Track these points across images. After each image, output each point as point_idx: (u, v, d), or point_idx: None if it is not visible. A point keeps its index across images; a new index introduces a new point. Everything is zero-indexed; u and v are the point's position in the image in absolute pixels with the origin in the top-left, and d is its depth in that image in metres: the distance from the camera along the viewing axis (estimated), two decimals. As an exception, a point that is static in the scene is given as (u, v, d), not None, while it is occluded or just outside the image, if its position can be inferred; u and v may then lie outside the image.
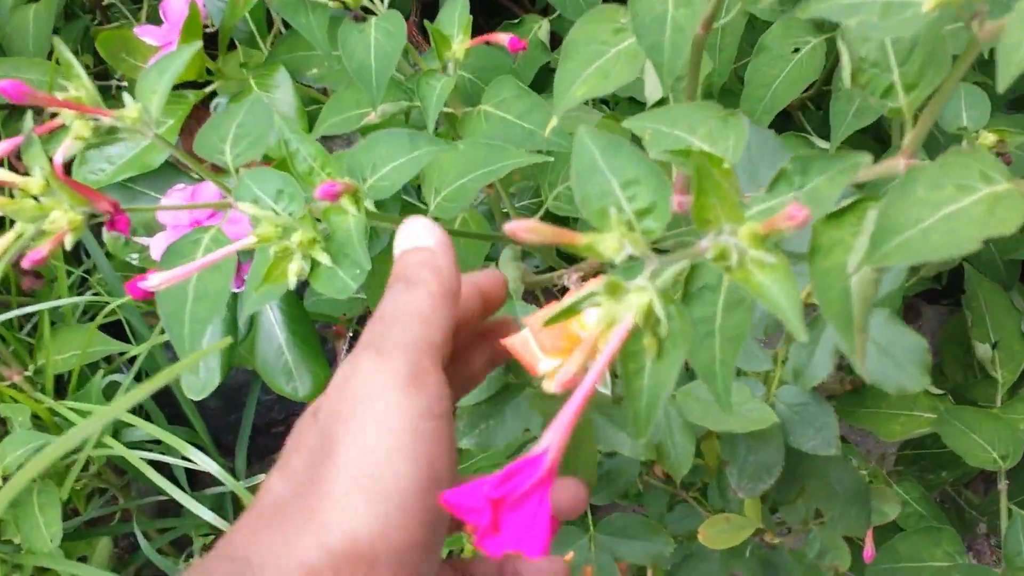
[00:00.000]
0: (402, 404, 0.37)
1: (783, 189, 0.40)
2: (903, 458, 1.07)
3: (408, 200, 0.85)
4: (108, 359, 1.05)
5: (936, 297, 1.43)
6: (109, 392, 0.98)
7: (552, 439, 0.33)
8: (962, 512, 1.17)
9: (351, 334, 1.29)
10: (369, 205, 0.60)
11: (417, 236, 0.44)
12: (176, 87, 0.82)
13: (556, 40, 1.11)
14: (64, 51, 0.58)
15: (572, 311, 0.37)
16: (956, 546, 0.85)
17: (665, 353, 0.37)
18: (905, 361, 0.58)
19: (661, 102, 0.67)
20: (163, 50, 0.81)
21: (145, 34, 0.81)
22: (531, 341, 0.43)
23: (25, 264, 0.54)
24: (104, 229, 0.61)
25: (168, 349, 1.10)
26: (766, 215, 0.38)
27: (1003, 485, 0.92)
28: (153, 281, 0.52)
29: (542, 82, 1.09)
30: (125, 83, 1.11)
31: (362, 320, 1.28)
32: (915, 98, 0.46)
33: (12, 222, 0.58)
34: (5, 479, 0.82)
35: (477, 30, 0.82)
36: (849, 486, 0.69)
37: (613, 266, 0.38)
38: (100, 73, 1.26)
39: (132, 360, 1.00)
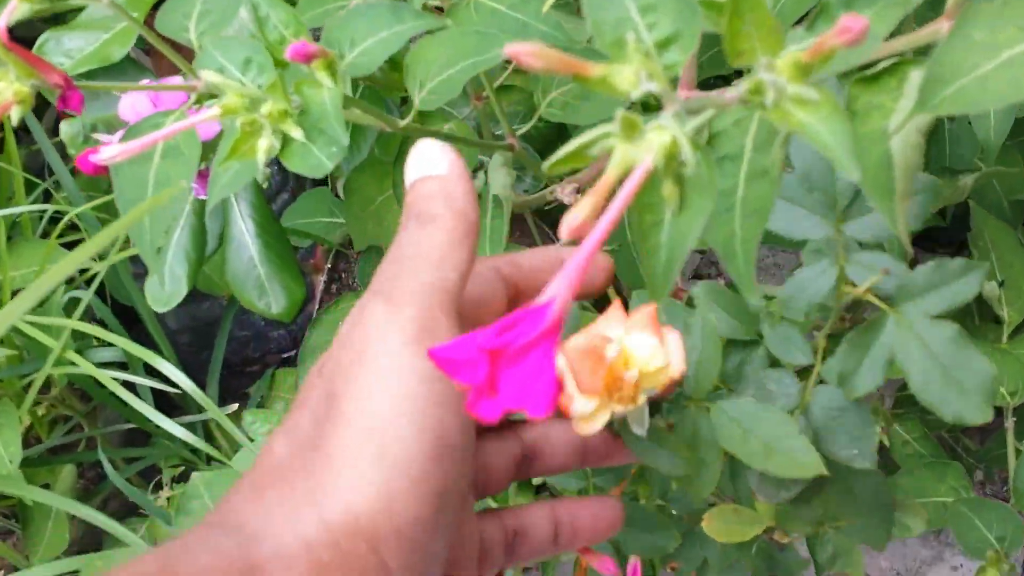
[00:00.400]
0: (410, 362, 0.34)
1: (825, 26, 0.35)
2: (902, 399, 1.03)
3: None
4: (69, 277, 1.00)
5: (932, 247, 1.39)
6: (70, 309, 0.92)
7: (559, 288, 0.28)
8: (960, 459, 1.14)
9: (328, 266, 1.24)
10: (347, 91, 0.55)
11: (428, 163, 0.39)
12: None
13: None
14: (9, -99, 0.52)
15: (581, 154, 0.32)
16: (961, 481, 0.81)
17: (688, 204, 0.32)
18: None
19: None
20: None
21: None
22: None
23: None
24: (57, 112, 0.56)
25: (134, 263, 1.04)
26: (802, 47, 0.32)
27: (1010, 423, 0.88)
28: (107, 153, 0.47)
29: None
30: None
31: (340, 251, 1.22)
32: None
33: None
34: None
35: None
36: (873, 495, 0.61)
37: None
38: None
39: (94, 278, 0.95)
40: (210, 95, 0.58)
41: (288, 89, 0.49)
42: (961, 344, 0.52)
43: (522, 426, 0.44)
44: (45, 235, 1.00)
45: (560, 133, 0.83)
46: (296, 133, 0.48)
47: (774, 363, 0.58)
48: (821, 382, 0.56)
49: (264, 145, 0.48)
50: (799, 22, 0.51)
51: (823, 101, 0.31)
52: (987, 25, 0.34)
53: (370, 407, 0.33)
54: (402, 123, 0.65)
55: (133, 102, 0.70)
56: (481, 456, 0.43)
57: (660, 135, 0.31)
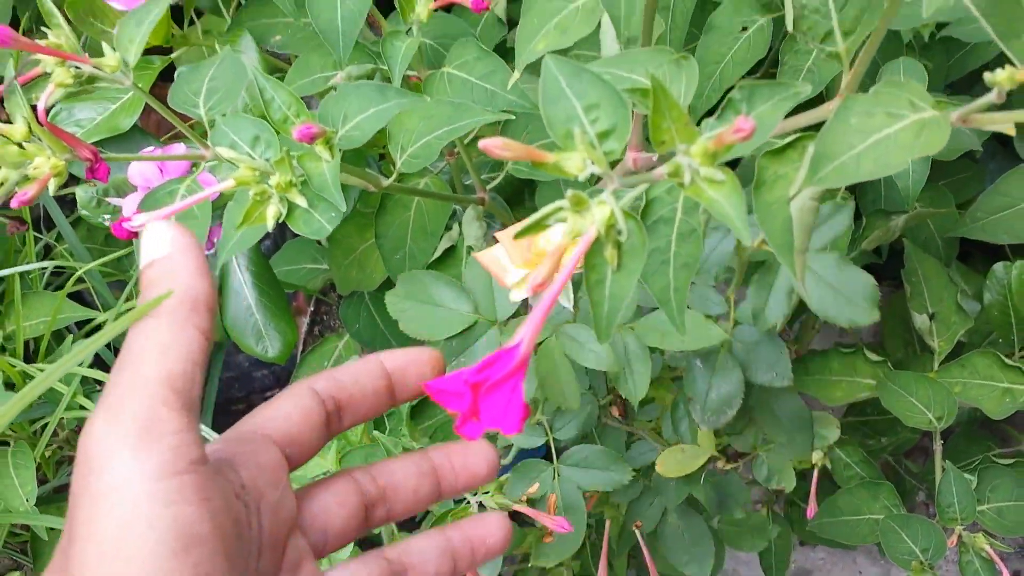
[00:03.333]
0: (132, 469, 0.32)
1: (731, 116, 0.44)
2: (847, 426, 1.12)
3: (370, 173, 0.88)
4: (76, 326, 1.06)
5: (878, 278, 1.49)
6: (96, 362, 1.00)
7: (525, 333, 0.37)
8: (902, 480, 1.22)
9: (311, 309, 1.32)
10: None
11: (153, 245, 0.37)
12: (143, 53, 0.84)
13: (511, 22, 1.14)
14: (46, 1, 0.60)
15: (540, 225, 0.40)
16: (893, 499, 0.89)
17: (624, 264, 0.40)
18: (856, 297, 0.62)
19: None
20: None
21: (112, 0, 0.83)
22: (501, 256, 0.46)
23: (14, 204, 0.56)
24: (84, 179, 0.63)
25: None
26: (712, 136, 0.41)
27: (938, 445, 0.97)
28: (138, 220, 0.55)
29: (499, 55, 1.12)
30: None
31: (324, 294, 1.30)
32: (852, 42, 0.50)
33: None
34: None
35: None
36: (794, 415, 0.74)
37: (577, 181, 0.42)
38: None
39: (99, 327, 1.02)
40: (186, 132, 0.66)
41: (292, 162, 0.57)
42: (843, 266, 0.65)
43: (359, 474, 0.44)
44: (47, 285, 1.07)
45: (526, 185, 0.91)
46: (301, 201, 0.57)
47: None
48: (738, 325, 0.68)
49: (272, 212, 0.56)
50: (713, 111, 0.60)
51: (727, 181, 0.39)
52: (862, 112, 0.43)
53: (99, 530, 0.32)
54: (385, 183, 0.73)
55: (142, 169, 0.78)
56: (312, 516, 0.42)
57: (601, 209, 0.39)
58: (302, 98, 0.81)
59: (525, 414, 0.35)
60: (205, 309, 0.36)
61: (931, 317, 1.08)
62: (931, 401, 0.94)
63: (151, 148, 0.80)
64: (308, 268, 1.16)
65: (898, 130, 0.42)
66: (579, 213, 0.40)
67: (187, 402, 0.35)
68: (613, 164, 0.41)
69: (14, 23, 1.08)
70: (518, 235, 0.40)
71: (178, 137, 0.74)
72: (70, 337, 0.98)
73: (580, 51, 0.75)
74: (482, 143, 0.39)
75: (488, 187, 0.84)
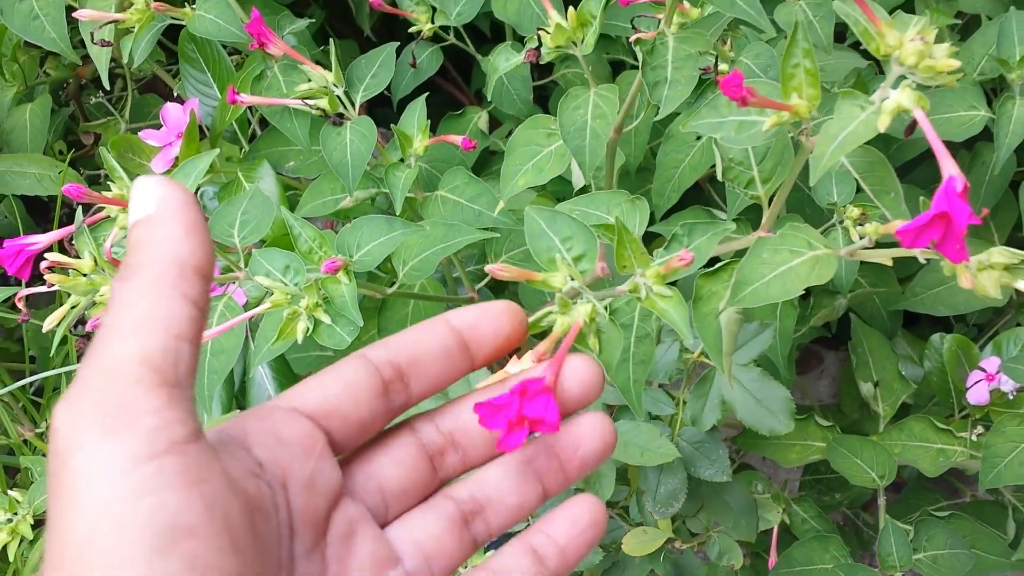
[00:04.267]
0: (99, 459, 0.29)
1: (676, 247, 0.56)
2: (804, 483, 1.23)
3: (375, 272, 1.00)
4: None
5: (836, 344, 1.62)
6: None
7: (547, 372, 0.43)
8: (860, 531, 1.34)
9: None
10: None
11: (140, 204, 0.33)
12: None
13: (494, 123, 1.27)
14: (108, 157, 0.73)
15: (534, 326, 0.52)
16: (841, 551, 1.00)
17: (604, 348, 0.52)
18: (776, 409, 0.76)
19: (584, 188, 0.83)
20: (164, 150, 0.96)
21: (148, 137, 0.96)
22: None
23: (90, 327, 0.68)
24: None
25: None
26: (665, 261, 0.54)
27: (882, 501, 1.08)
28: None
29: (483, 163, 1.25)
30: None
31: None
32: (769, 188, 0.63)
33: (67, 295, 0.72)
34: (37, 522, 0.93)
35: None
36: (740, 502, 0.87)
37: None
38: (80, 159, 1.40)
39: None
40: (228, 270, 0.78)
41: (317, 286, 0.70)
42: (765, 381, 0.78)
43: (420, 422, 0.40)
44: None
45: (512, 286, 1.03)
46: (325, 319, 0.69)
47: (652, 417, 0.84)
48: (684, 426, 0.81)
49: (302, 327, 0.68)
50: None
51: (674, 296, 0.52)
52: (771, 249, 0.56)
53: (70, 532, 0.29)
54: (389, 291, 0.85)
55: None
56: (366, 478, 0.39)
57: (584, 307, 0.51)
58: (316, 217, 0.94)
59: (560, 418, 0.40)
60: (194, 274, 0.32)
61: (875, 385, 1.21)
62: (874, 462, 1.06)
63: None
64: (315, 355, 1.28)
65: (798, 263, 0.55)
66: (565, 313, 0.52)
67: (169, 379, 0.31)
68: (587, 280, 0.54)
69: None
70: (532, 331, 0.52)
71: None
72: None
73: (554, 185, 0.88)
74: (488, 268, 0.51)
75: (477, 288, 0.97)
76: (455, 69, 1.54)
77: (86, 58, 1.14)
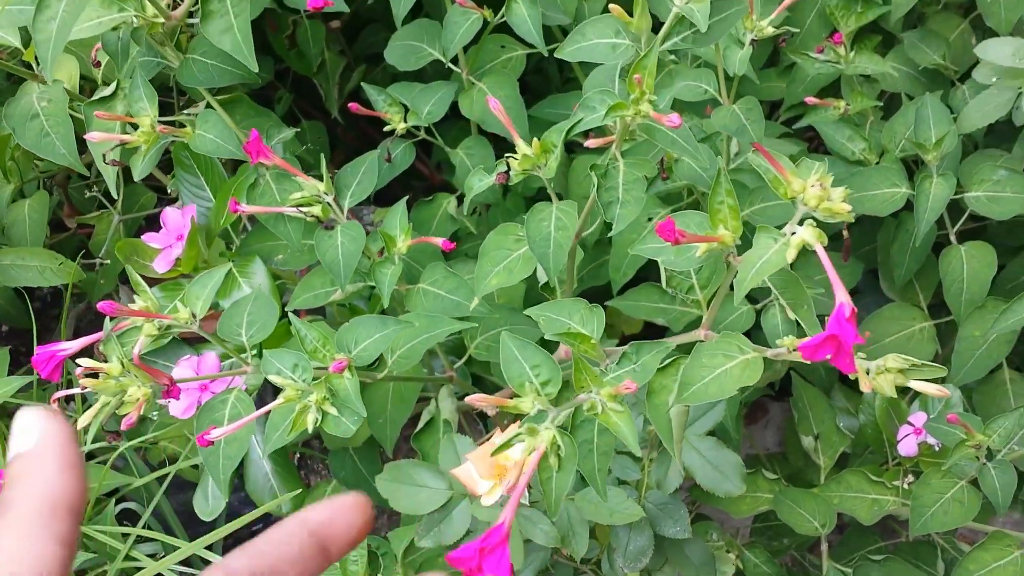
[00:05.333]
0: None
1: (626, 364, 0.67)
2: (755, 530, 1.35)
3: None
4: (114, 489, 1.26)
5: (781, 395, 1.74)
6: (121, 516, 1.19)
7: (506, 516, 0.58)
8: (808, 572, 1.45)
9: (298, 455, 1.52)
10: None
11: (21, 436, 0.34)
12: (175, 276, 1.07)
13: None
14: (133, 273, 0.83)
15: (507, 445, 0.63)
16: (786, 592, 1.12)
17: (563, 467, 0.63)
18: (729, 473, 0.87)
19: (547, 283, 0.94)
20: (164, 252, 1.05)
21: (150, 240, 1.06)
22: (472, 471, 0.68)
23: (124, 427, 0.77)
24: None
25: (162, 482, 1.31)
26: (617, 381, 0.65)
27: (824, 547, 1.20)
28: (216, 433, 0.77)
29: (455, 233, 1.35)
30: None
31: (307, 444, 1.51)
32: (707, 294, 0.74)
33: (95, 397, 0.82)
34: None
35: (393, 197, 1.09)
36: (700, 555, 0.98)
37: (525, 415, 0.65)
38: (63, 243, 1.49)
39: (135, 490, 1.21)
40: (233, 355, 0.88)
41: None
42: (719, 449, 0.89)
43: None
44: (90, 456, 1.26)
45: (485, 365, 1.14)
46: (332, 411, 0.79)
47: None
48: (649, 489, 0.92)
49: (311, 419, 0.78)
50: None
51: (624, 411, 0.63)
52: (708, 354, 0.67)
53: None
54: (379, 376, 0.96)
55: (182, 374, 0.99)
56: None
57: (547, 433, 0.62)
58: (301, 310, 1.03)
59: (511, 570, 0.57)
60: (67, 513, 0.32)
61: (816, 438, 1.33)
62: (816, 512, 1.17)
63: (187, 356, 1.02)
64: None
65: (732, 366, 0.66)
66: (532, 435, 0.63)
67: None
68: (552, 400, 0.65)
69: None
70: (494, 452, 0.63)
71: (202, 340, 0.95)
72: (112, 499, 1.18)
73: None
74: (469, 398, 0.62)
75: (455, 367, 1.07)
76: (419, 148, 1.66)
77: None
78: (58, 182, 1.47)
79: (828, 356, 0.57)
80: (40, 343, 1.59)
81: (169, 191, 1.22)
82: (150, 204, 1.36)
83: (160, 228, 1.07)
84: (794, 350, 0.65)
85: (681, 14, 0.76)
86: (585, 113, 0.77)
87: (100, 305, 0.77)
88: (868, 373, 0.63)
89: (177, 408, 0.97)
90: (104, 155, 0.99)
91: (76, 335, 1.53)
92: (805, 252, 0.64)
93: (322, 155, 0.97)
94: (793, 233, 0.62)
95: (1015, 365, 1.39)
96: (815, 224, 0.61)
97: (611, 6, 0.78)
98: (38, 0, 0.79)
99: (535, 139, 0.81)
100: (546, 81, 1.57)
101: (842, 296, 0.58)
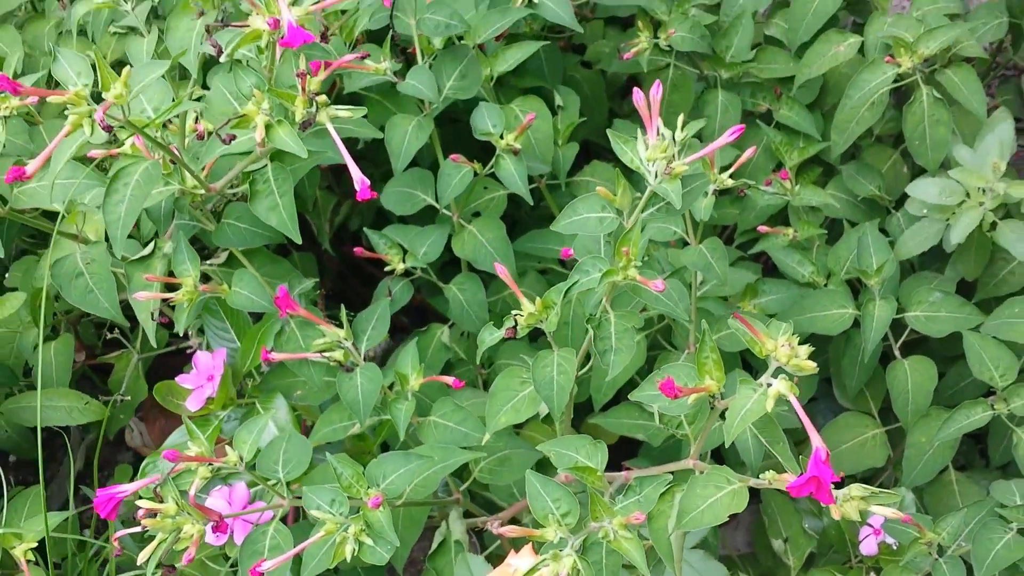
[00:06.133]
0: None
1: (632, 495, 0.79)
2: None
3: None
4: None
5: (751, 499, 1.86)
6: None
7: None
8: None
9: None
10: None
11: None
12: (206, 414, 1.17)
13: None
14: (190, 424, 0.94)
15: (532, 572, 0.74)
16: None
17: (582, 587, 0.75)
18: None
19: (548, 416, 1.06)
20: (196, 392, 1.16)
21: (184, 381, 1.16)
22: None
23: (184, 562, 0.87)
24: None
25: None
26: (626, 511, 0.77)
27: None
28: (267, 566, 0.87)
29: (445, 368, 1.47)
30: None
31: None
32: (694, 429, 0.87)
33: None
34: None
35: (394, 329, 1.21)
36: None
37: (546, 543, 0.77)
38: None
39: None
40: (272, 491, 0.98)
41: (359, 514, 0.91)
42: (707, 560, 1.00)
43: None
44: None
45: (484, 484, 1.25)
46: (368, 541, 0.89)
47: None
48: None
49: (349, 549, 0.89)
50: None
51: (633, 538, 0.74)
52: (702, 484, 0.79)
53: None
54: (398, 503, 1.06)
55: (215, 503, 1.09)
56: None
57: (569, 559, 0.74)
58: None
59: None
60: None
61: (785, 541, 1.45)
62: (786, 605, 1.29)
63: (219, 486, 1.11)
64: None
65: (722, 495, 0.78)
66: (556, 561, 0.74)
67: None
68: (571, 529, 0.76)
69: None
70: None
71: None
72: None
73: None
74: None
75: (461, 489, 1.18)
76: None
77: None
78: (71, 321, 1.57)
79: (811, 492, 0.70)
80: (46, 472, 1.67)
81: (187, 333, 1.33)
82: (162, 343, 1.46)
83: (191, 369, 1.18)
84: (776, 481, 0.77)
85: (655, 192, 0.90)
86: (580, 276, 0.91)
87: (165, 454, 0.88)
88: (837, 501, 0.75)
89: (211, 535, 1.06)
90: (152, 313, 1.10)
91: (86, 465, 1.61)
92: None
93: (342, 306, 1.09)
94: (769, 385, 0.75)
95: (959, 465, 1.53)
96: (787, 377, 0.74)
97: (598, 188, 0.92)
98: (107, 185, 0.91)
99: (537, 297, 0.94)
100: (519, 209, 1.71)
101: (817, 442, 0.71)
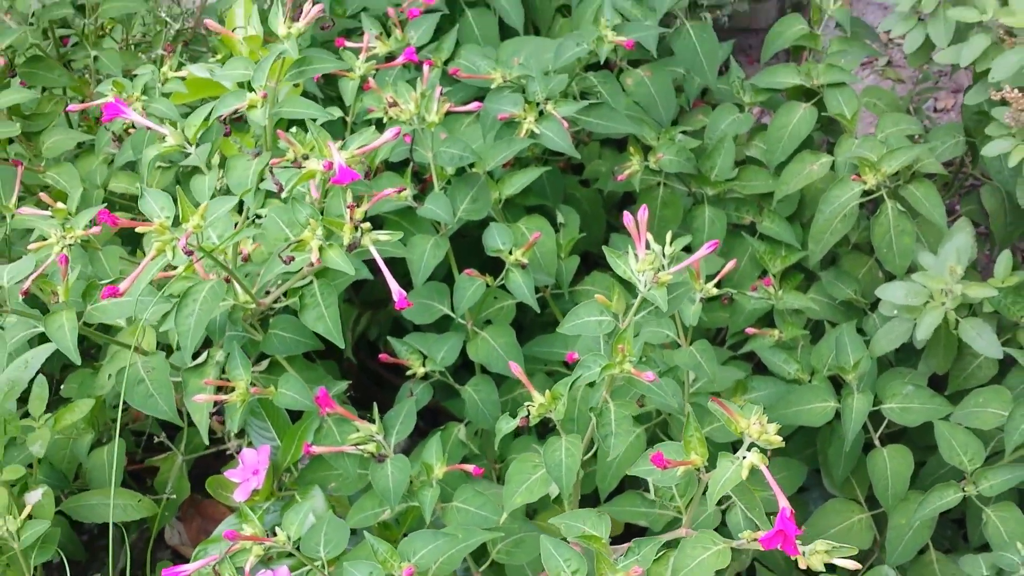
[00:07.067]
0: None
1: (631, 556, 0.93)
2: None
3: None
4: None
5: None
6: None
7: None
8: None
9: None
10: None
11: None
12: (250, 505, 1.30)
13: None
14: (244, 507, 1.07)
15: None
16: None
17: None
18: None
19: (559, 498, 1.20)
20: (243, 485, 1.29)
21: (232, 476, 1.30)
22: None
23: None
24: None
25: None
26: (627, 568, 0.90)
27: None
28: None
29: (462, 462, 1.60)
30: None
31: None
32: (684, 500, 1.00)
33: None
34: None
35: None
36: None
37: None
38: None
39: None
40: (288, 555, 1.11)
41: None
42: None
43: None
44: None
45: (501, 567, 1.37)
46: (404, 607, 1.02)
47: None
48: None
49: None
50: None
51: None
52: (691, 546, 0.92)
53: None
54: (424, 580, 1.19)
55: None
56: None
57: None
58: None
59: None
60: None
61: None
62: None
63: (263, 571, 1.24)
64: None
65: (708, 555, 0.91)
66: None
67: None
68: (581, 586, 0.89)
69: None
70: None
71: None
72: None
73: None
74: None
75: (479, 569, 1.31)
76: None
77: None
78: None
79: (779, 544, 0.83)
80: (90, 572, 1.79)
81: (228, 433, 1.47)
82: (201, 447, 1.59)
83: (237, 465, 1.32)
84: (753, 540, 0.91)
85: (645, 298, 1.05)
86: (583, 370, 1.06)
87: (225, 533, 1.01)
88: (804, 555, 0.88)
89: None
90: (210, 413, 1.24)
91: (130, 564, 1.73)
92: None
93: (374, 404, 1.24)
94: (744, 457, 0.89)
95: (944, 549, 1.64)
96: (759, 450, 0.88)
97: (596, 296, 1.08)
98: (178, 301, 1.07)
99: (547, 390, 1.09)
100: (526, 315, 1.86)
101: (783, 502, 0.84)
